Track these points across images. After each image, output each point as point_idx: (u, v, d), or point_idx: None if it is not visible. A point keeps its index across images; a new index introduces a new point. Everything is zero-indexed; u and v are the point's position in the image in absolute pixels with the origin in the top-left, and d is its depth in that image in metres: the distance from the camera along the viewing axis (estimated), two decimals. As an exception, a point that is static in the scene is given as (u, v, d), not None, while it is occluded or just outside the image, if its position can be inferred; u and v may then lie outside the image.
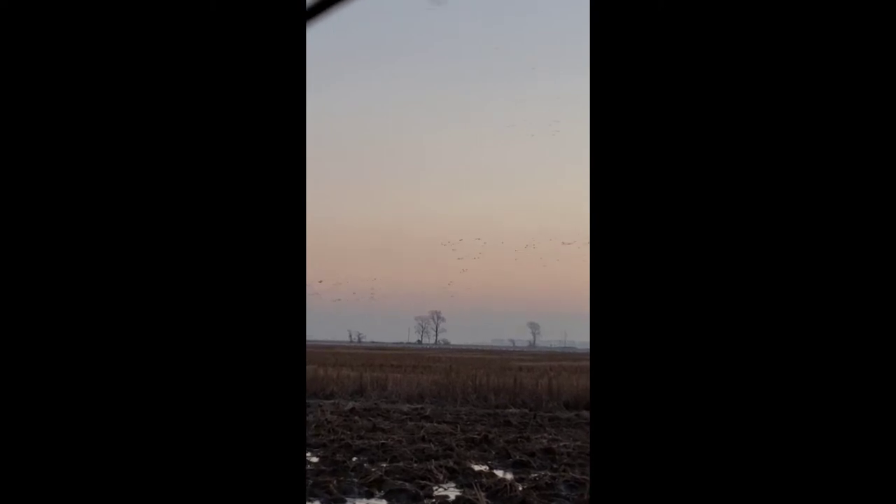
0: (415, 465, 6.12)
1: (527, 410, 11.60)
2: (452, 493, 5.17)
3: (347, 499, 5.04)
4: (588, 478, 5.54)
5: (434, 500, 4.90)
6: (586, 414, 11.26)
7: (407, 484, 5.33)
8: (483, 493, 4.79)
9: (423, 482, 5.41)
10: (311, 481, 5.30)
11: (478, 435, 8.11)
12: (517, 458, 6.67)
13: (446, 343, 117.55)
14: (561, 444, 7.53)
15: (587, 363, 26.67)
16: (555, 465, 6.36)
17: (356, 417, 9.92)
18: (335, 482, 5.31)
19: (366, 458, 6.58)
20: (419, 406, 11.96)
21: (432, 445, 7.27)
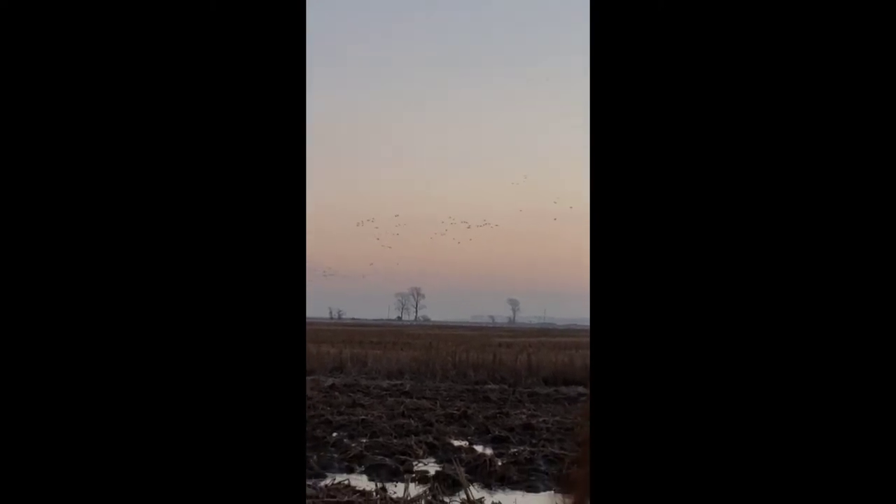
0: (395, 440, 6.15)
1: (506, 386, 11.67)
2: (432, 468, 5.20)
3: (328, 474, 5.06)
4: (566, 452, 5.59)
5: (414, 475, 4.94)
6: (565, 389, 11.35)
7: (387, 459, 5.36)
8: (463, 469, 4.83)
9: (402, 457, 5.44)
10: (291, 457, 5.32)
11: (457, 411, 8.16)
12: (496, 433, 6.72)
13: (426, 319, 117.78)
14: (540, 419, 7.59)
15: (566, 339, 26.85)
16: (534, 441, 6.41)
17: (336, 393, 9.94)
18: (315, 457, 5.33)
19: (346, 434, 6.61)
20: (399, 382, 12.00)
21: (412, 421, 7.31)
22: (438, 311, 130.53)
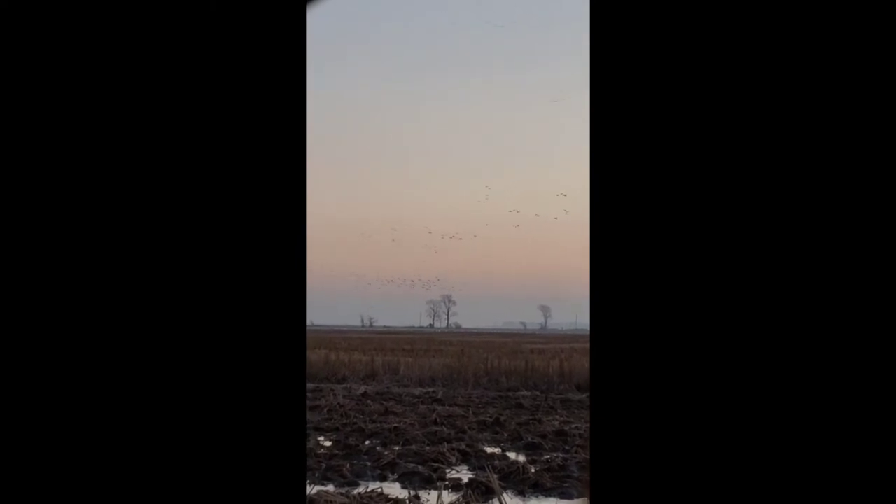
0: (427, 448, 6.15)
1: (538, 393, 11.62)
2: (465, 475, 5.20)
3: (361, 482, 5.08)
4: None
5: (447, 483, 4.93)
6: (598, 396, 11.26)
7: (420, 467, 5.36)
8: (496, 476, 4.82)
9: (435, 465, 5.44)
10: (324, 465, 5.35)
11: (490, 418, 8.14)
12: (529, 440, 6.70)
13: (458, 326, 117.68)
14: (573, 425, 7.55)
15: (598, 345, 26.69)
16: (567, 447, 6.38)
17: (368, 401, 9.97)
18: (348, 465, 5.35)
19: (378, 442, 6.62)
20: (431, 389, 12.00)
21: (444, 428, 7.30)
22: (470, 317, 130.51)
